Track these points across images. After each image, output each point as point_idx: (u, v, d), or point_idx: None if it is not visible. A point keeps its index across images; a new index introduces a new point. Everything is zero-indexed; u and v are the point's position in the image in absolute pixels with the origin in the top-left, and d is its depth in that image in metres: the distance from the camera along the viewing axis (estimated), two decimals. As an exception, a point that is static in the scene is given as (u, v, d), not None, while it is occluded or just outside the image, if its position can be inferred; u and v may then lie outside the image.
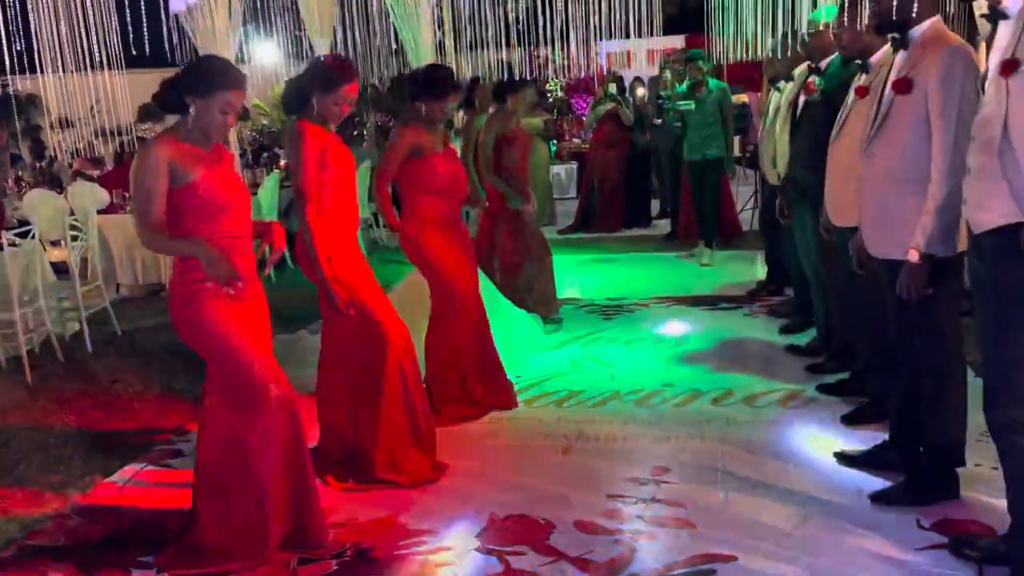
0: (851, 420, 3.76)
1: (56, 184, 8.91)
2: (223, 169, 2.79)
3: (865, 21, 3.19)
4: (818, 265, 4.37)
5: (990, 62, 2.33)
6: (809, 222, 4.27)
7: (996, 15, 2.28)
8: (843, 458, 3.40)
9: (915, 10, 2.72)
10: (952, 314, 2.95)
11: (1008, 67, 2.19)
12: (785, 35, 5.11)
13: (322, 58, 3.43)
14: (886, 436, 3.34)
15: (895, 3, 2.74)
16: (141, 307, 6.73)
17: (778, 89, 5.30)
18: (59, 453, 3.95)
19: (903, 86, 2.78)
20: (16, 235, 5.01)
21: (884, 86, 2.93)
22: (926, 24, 2.80)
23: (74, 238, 5.61)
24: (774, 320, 5.42)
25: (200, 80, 2.68)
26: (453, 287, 4.05)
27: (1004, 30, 2.27)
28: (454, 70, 6.68)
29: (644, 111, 9.23)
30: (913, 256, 2.73)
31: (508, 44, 7.71)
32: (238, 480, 2.80)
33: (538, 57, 9.56)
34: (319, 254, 3.25)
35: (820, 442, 3.59)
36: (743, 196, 8.67)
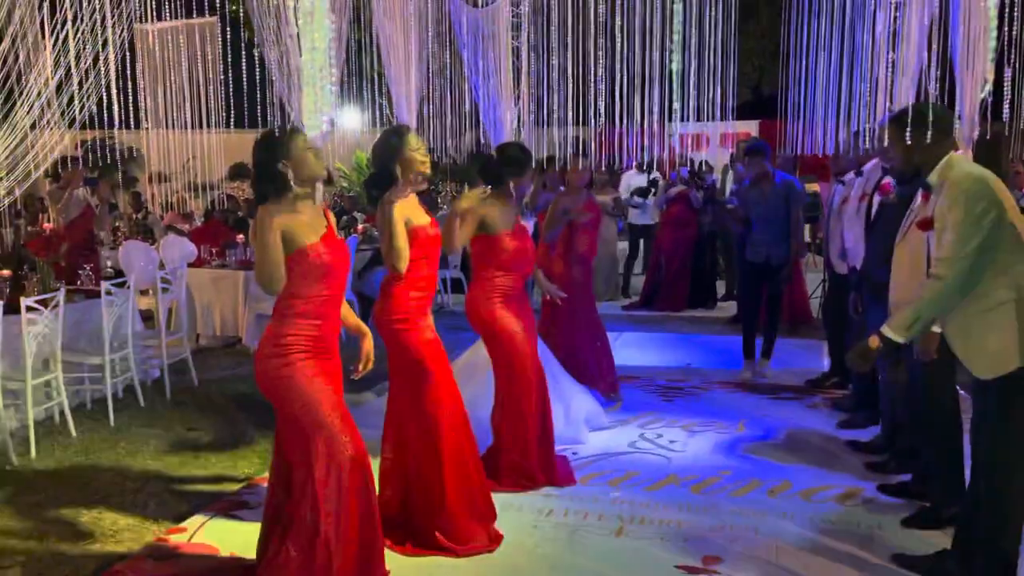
0: (912, 524, 3.71)
1: (149, 235, 9.44)
2: (329, 235, 3.00)
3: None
4: (889, 364, 4.36)
5: None
6: (881, 320, 4.28)
7: None
8: (902, 562, 3.36)
9: (931, 159, 3.02)
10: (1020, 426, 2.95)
11: None
12: (856, 133, 5.20)
13: (380, 136, 3.64)
14: (947, 544, 3.29)
15: (900, 164, 3.11)
16: (219, 358, 7.04)
17: (842, 182, 5.40)
18: (135, 497, 4.16)
19: (925, 224, 3.01)
20: (113, 284, 5.34)
21: None
22: (940, 165, 3.03)
23: (164, 290, 5.95)
24: (837, 413, 5.37)
25: (276, 146, 2.93)
26: (514, 359, 4.17)
27: None
28: (529, 146, 6.95)
29: (713, 194, 9.37)
30: (873, 341, 2.98)
31: (582, 122, 7.95)
32: (306, 534, 2.92)
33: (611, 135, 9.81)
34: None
35: (878, 544, 3.55)
36: (811, 283, 8.65)
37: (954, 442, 3.63)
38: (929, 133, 3.01)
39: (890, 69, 5.55)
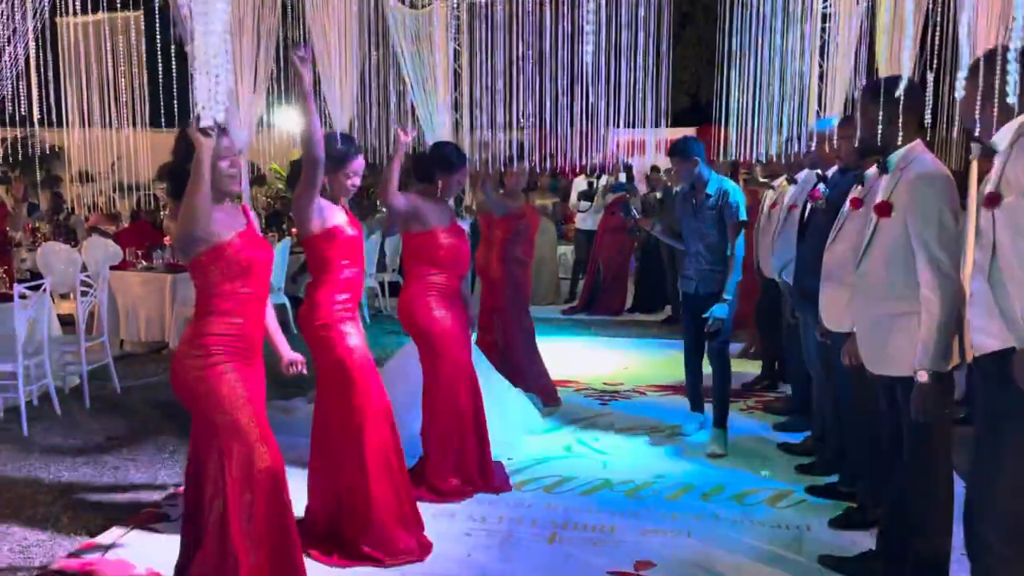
0: (839, 524, 3.75)
1: (71, 237, 9.08)
2: (249, 232, 2.88)
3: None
4: (818, 368, 4.41)
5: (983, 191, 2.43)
6: (813, 325, 4.34)
7: (987, 150, 2.40)
8: (828, 563, 3.39)
9: (895, 137, 2.85)
10: (943, 427, 2.99)
11: (991, 200, 2.31)
12: (788, 139, 5.28)
13: (331, 136, 3.54)
14: (873, 544, 3.33)
15: (876, 132, 2.90)
16: (143, 364, 6.79)
17: (772, 187, 5.48)
18: (47, 510, 3.96)
19: (883, 210, 2.92)
20: (28, 287, 5.09)
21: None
22: (905, 149, 2.95)
23: (84, 292, 5.70)
24: (769, 416, 5.43)
25: (190, 145, 2.75)
26: (445, 360, 4.10)
27: (995, 163, 2.40)
28: (465, 148, 6.90)
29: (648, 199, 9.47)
30: (922, 377, 2.75)
31: (521, 127, 7.94)
32: (219, 549, 2.80)
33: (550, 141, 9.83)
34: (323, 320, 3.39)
35: (807, 545, 3.58)
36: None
37: (879, 443, 3.68)
38: (901, 110, 2.83)
39: (820, 77, 5.68)
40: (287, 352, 3.19)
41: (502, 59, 7.12)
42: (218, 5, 1.62)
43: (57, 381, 5.56)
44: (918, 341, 2.77)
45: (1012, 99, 2.07)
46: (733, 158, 7.44)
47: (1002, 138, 2.38)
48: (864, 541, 3.49)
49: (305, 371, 3.21)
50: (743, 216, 4.65)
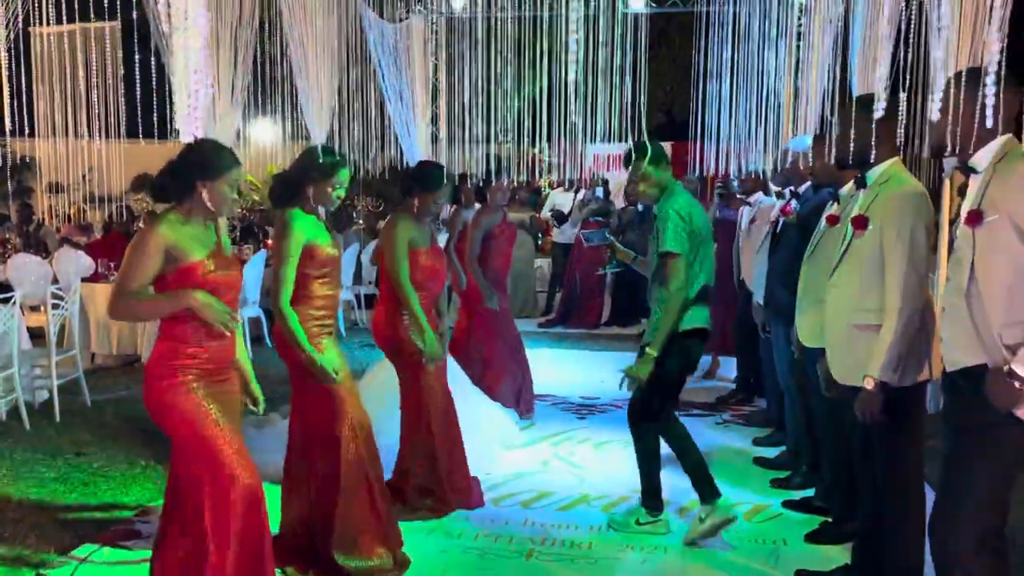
0: (814, 538, 3.78)
1: (42, 249, 8.95)
2: (217, 252, 2.85)
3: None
4: (790, 382, 4.45)
5: (962, 210, 2.47)
6: (784, 339, 4.38)
7: (967, 170, 2.44)
8: (805, 578, 3.41)
9: (873, 152, 2.86)
10: (914, 441, 3.03)
11: (973, 218, 2.35)
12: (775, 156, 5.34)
13: (317, 148, 3.55)
14: (848, 558, 3.35)
15: (853, 146, 2.93)
16: (115, 377, 6.69)
17: (749, 204, 5.54)
18: (14, 528, 3.86)
19: (859, 223, 2.96)
20: (-3, 301, 5.02)
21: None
22: (884, 165, 2.99)
23: (55, 305, 5.61)
24: (746, 430, 5.46)
25: (210, 163, 2.77)
26: (421, 379, 4.08)
27: (973, 182, 2.44)
28: (444, 164, 6.90)
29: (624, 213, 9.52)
30: (868, 384, 2.84)
31: (499, 141, 7.95)
32: (195, 567, 2.76)
33: (532, 153, 9.86)
34: (299, 337, 3.32)
35: (783, 560, 3.60)
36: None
37: (852, 457, 3.70)
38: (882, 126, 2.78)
39: (793, 95, 5.75)
40: (251, 384, 3.12)
41: (481, 73, 7.13)
42: (199, 21, 1.61)
43: (27, 395, 5.45)
44: (873, 348, 2.83)
45: (988, 119, 2.11)
46: (700, 175, 7.49)
47: (983, 158, 2.42)
48: (840, 555, 3.51)
49: (260, 411, 3.18)
50: (668, 244, 3.56)
